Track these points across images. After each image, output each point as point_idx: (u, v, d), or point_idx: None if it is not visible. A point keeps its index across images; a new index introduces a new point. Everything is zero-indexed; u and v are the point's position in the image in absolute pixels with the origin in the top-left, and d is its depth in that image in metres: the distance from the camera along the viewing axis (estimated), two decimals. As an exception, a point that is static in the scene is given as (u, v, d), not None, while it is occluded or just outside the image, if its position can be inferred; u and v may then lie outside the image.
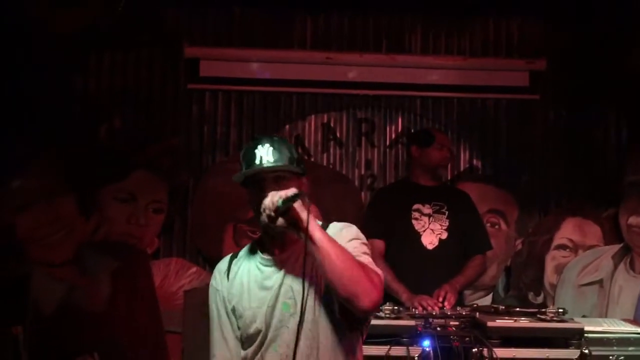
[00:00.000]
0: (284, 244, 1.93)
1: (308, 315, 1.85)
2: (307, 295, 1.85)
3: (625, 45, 3.97)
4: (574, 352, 2.50)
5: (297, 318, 1.84)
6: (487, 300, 3.97)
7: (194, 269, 3.89)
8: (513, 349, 2.47)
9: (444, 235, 3.27)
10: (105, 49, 3.97)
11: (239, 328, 1.95)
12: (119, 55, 4.00)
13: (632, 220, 3.99)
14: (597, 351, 2.52)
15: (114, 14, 3.71)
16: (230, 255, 2.06)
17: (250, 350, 1.92)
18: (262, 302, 1.89)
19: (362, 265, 1.79)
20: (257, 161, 1.87)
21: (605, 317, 3.69)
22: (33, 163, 3.71)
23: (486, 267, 3.56)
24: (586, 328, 2.56)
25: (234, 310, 1.94)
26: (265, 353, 1.89)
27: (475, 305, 2.98)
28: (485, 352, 2.45)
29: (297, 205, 1.78)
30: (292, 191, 1.78)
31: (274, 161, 1.87)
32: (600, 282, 3.95)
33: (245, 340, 1.93)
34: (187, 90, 4.03)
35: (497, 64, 4.17)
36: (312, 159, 4.08)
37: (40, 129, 3.76)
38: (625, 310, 3.72)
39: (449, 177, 4.08)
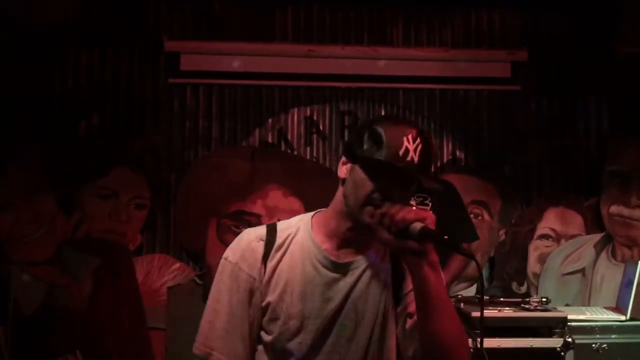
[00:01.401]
0: (360, 245, 1.53)
1: (372, 348, 1.52)
2: (378, 321, 1.51)
3: (607, 36, 4.00)
4: (558, 341, 2.52)
5: (359, 350, 1.50)
6: (471, 291, 3.99)
7: (177, 265, 3.86)
8: (498, 339, 2.49)
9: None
10: (84, 44, 3.91)
11: (267, 333, 1.53)
12: (98, 51, 3.94)
13: (613, 209, 4.03)
14: (580, 339, 2.55)
15: (93, 8, 3.67)
16: (264, 229, 1.58)
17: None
18: (316, 314, 1.49)
19: (464, 338, 1.48)
20: (402, 152, 1.43)
21: (588, 305, 3.73)
22: (12, 161, 3.65)
23: (470, 258, 3.55)
24: (569, 317, 2.58)
25: (267, 308, 1.52)
26: None
27: (459, 296, 2.99)
28: (470, 342, 2.45)
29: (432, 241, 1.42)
30: (431, 220, 1.42)
31: (421, 166, 1.46)
32: (582, 271, 3.99)
33: (274, 350, 1.53)
34: (168, 85, 3.99)
35: (478, 55, 4.17)
36: (296, 152, 4.06)
37: (20, 126, 3.71)
38: (608, 299, 3.75)
39: (432, 169, 4.07)
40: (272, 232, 1.56)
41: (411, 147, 1.45)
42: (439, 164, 4.16)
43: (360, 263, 1.53)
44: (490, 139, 4.19)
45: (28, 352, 3.31)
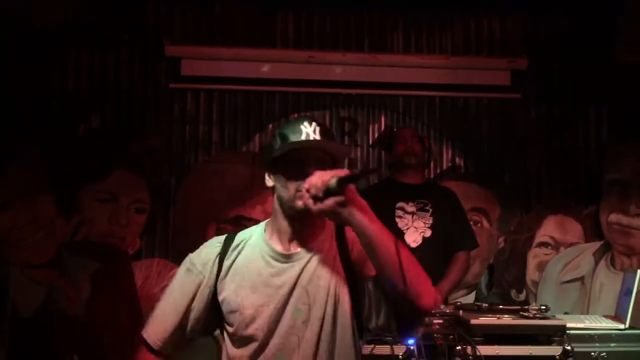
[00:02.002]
0: (305, 238, 1.69)
1: (325, 327, 1.65)
2: (328, 302, 1.64)
3: (606, 42, 4.01)
4: (557, 349, 2.51)
5: (314, 328, 1.64)
6: (470, 298, 3.99)
7: (176, 270, 3.85)
8: (496, 346, 2.48)
9: (428, 233, 3.27)
10: (85, 46, 3.92)
11: (229, 324, 1.69)
12: (99, 53, 3.95)
13: (612, 217, 4.03)
14: (579, 347, 2.54)
15: (94, 10, 3.68)
16: (224, 237, 1.78)
17: (244, 352, 1.68)
18: (266, 302, 1.65)
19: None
20: (304, 137, 1.65)
21: (587, 313, 3.72)
22: (12, 161, 3.65)
23: (470, 265, 3.56)
24: (568, 325, 2.57)
25: (222, 302, 1.69)
26: None
27: (458, 303, 2.98)
28: (468, 349, 2.45)
29: (353, 189, 1.55)
30: (347, 172, 1.55)
31: (323, 139, 1.66)
32: (581, 279, 3.99)
33: (237, 340, 1.69)
34: (169, 90, 3.99)
35: (478, 63, 4.19)
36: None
37: (20, 127, 3.71)
38: (607, 307, 3.75)
39: (431, 176, 4.09)
40: (231, 237, 1.78)
41: (310, 130, 1.67)
42: (438, 171, 4.17)
43: (306, 252, 1.70)
44: (490, 146, 4.20)
45: (26, 355, 3.30)
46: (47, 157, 3.70)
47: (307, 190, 1.56)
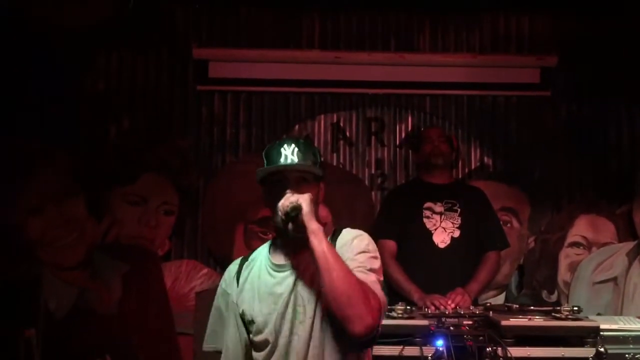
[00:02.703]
0: (297, 249, 1.88)
1: (317, 325, 1.84)
2: (317, 303, 1.82)
3: (638, 39, 3.93)
4: (590, 351, 2.46)
5: (307, 327, 1.83)
6: (499, 299, 3.94)
7: (205, 271, 3.89)
8: (528, 348, 2.44)
9: (456, 234, 3.24)
10: (114, 49, 3.98)
11: (249, 333, 1.92)
12: (128, 56, 4.01)
13: (647, 216, 3.95)
14: (613, 349, 2.49)
15: (123, 13, 3.73)
16: (241, 257, 2.04)
17: (261, 355, 1.90)
18: (272, 309, 1.87)
19: (362, 287, 1.74)
20: (282, 160, 1.87)
21: (620, 314, 3.65)
22: (43, 165, 3.72)
23: (500, 265, 3.51)
24: (602, 326, 2.52)
25: (243, 314, 1.92)
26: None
27: (488, 304, 2.95)
28: (499, 351, 2.42)
29: (307, 213, 1.77)
30: (303, 199, 1.77)
31: (298, 161, 1.87)
32: (614, 280, 3.91)
33: (256, 345, 1.92)
34: (196, 92, 4.03)
35: (507, 61, 4.14)
36: (322, 159, 4.05)
37: (50, 130, 3.78)
38: (641, 308, 3.68)
39: (459, 176, 4.05)
40: (246, 257, 2.02)
41: (288, 152, 1.88)
42: (466, 171, 4.13)
43: (301, 261, 1.88)
44: (519, 145, 4.14)
45: (59, 355, 3.36)
46: (77, 160, 3.76)
47: (278, 211, 1.80)
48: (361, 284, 1.75)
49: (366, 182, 4.08)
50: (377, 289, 1.80)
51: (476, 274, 3.16)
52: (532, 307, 2.77)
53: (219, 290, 2.01)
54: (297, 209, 1.76)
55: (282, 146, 1.90)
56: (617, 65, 4.04)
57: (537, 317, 2.56)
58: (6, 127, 3.66)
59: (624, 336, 2.57)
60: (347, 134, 4.11)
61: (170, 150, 3.95)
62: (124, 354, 3.50)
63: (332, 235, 1.93)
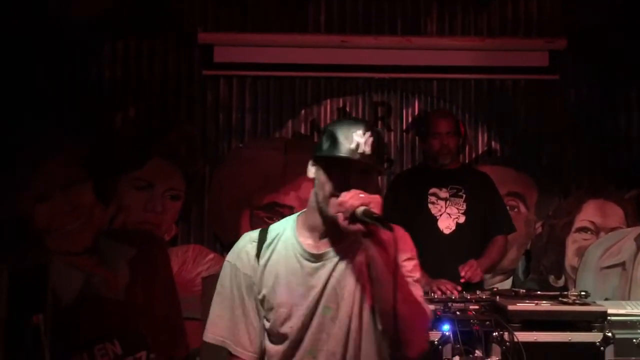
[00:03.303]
0: (337, 237, 1.72)
1: (353, 324, 1.71)
2: (356, 303, 1.70)
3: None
4: (597, 335, 2.46)
5: (343, 326, 1.70)
6: (506, 284, 3.94)
7: (211, 256, 3.90)
8: (534, 333, 2.44)
9: (462, 219, 3.22)
10: (120, 36, 3.96)
11: (267, 320, 1.76)
12: (133, 43, 3.99)
13: (655, 201, 3.92)
14: (620, 334, 2.48)
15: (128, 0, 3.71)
16: (257, 232, 1.83)
17: (280, 349, 1.74)
18: (301, 301, 1.71)
19: (420, 309, 1.66)
20: (353, 146, 1.66)
21: (628, 299, 3.63)
22: (50, 152, 3.72)
23: (507, 249, 3.50)
24: (609, 311, 2.51)
25: (263, 300, 1.75)
26: (303, 359, 1.73)
27: (495, 289, 2.94)
28: (506, 335, 2.42)
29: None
30: (376, 203, 1.60)
31: (371, 154, 1.67)
32: (622, 265, 3.89)
33: (274, 336, 1.76)
34: (202, 77, 4.01)
35: (515, 44, 4.09)
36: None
37: (57, 118, 3.78)
38: (649, 293, 3.67)
39: (466, 160, 4.02)
40: (263, 233, 1.82)
41: (362, 140, 1.67)
42: (473, 155, 4.11)
43: (337, 253, 1.73)
44: (527, 130, 4.11)
45: (67, 340, 3.39)
46: (84, 147, 3.76)
47: (339, 205, 1.62)
48: (419, 306, 1.66)
49: (372, 167, 4.06)
50: (427, 306, 1.72)
51: (486, 251, 3.16)
52: (539, 292, 2.76)
53: (229, 269, 1.81)
54: (369, 215, 1.58)
55: (354, 130, 1.67)
56: (627, 48, 3.98)
57: (544, 302, 2.55)
58: (13, 116, 3.66)
59: (631, 321, 2.56)
60: (354, 118, 4.09)
61: (176, 135, 3.95)
62: (131, 338, 3.53)
63: None
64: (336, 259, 1.73)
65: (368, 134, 1.68)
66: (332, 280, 1.72)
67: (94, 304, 3.54)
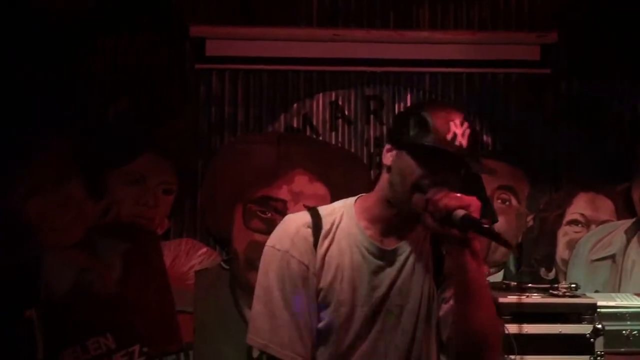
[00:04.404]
0: (403, 232, 1.54)
1: (418, 333, 1.53)
2: (422, 307, 1.52)
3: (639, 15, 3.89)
4: (587, 327, 2.49)
5: (406, 335, 1.51)
6: (498, 277, 3.95)
7: (204, 249, 3.90)
8: (525, 325, 2.46)
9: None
10: (109, 30, 3.94)
11: (320, 319, 1.53)
12: (123, 36, 3.96)
13: (646, 194, 3.94)
14: (610, 326, 2.52)
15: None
16: (308, 216, 1.56)
17: (327, 350, 1.52)
18: (363, 302, 1.51)
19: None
20: (450, 137, 1.46)
21: (618, 292, 3.67)
22: (40, 148, 3.71)
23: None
24: (599, 303, 2.55)
25: (318, 294, 1.52)
26: None
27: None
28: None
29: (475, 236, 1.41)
30: (475, 207, 1.41)
31: (470, 151, 1.47)
32: (612, 257, 3.92)
33: (325, 337, 1.53)
34: (194, 70, 4.00)
35: (507, 38, 4.09)
36: (321, 138, 4.05)
37: (47, 113, 3.76)
38: (638, 285, 3.69)
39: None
40: (317, 218, 1.56)
41: (459, 131, 1.47)
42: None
43: (404, 249, 1.54)
44: (519, 123, 4.12)
45: (60, 334, 3.38)
46: (75, 141, 3.75)
47: (427, 203, 1.43)
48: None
49: (364, 161, 4.07)
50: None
51: None
52: (529, 285, 2.79)
53: (279, 257, 1.52)
54: (473, 223, 1.38)
55: (452, 119, 1.47)
56: (619, 42, 4.00)
57: (534, 294, 2.58)
58: (1, 110, 3.64)
59: (621, 313, 2.60)
60: (346, 112, 4.09)
61: (168, 129, 3.94)
62: (124, 332, 3.52)
63: None
64: (404, 256, 1.54)
65: (466, 124, 1.49)
66: (399, 282, 1.53)
67: (86, 298, 3.54)
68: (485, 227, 1.39)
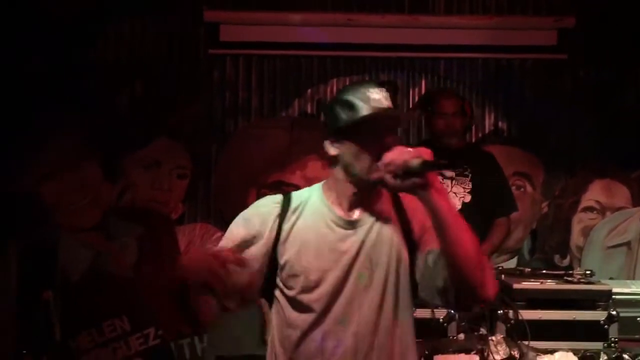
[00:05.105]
0: (367, 204, 1.67)
1: (388, 292, 1.64)
2: (390, 268, 1.63)
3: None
4: (602, 314, 2.48)
5: (377, 292, 1.62)
6: (512, 264, 3.95)
7: (218, 234, 3.91)
8: (539, 311, 2.46)
9: (467, 199, 3.23)
10: (124, 15, 3.95)
11: (291, 288, 1.65)
12: (138, 22, 3.97)
13: (662, 181, 3.91)
14: (625, 312, 2.51)
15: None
16: (279, 198, 1.73)
17: (307, 317, 1.64)
18: (331, 267, 1.63)
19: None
20: (376, 104, 1.61)
21: (633, 279, 3.65)
22: (58, 131, 3.73)
23: (511, 229, 3.52)
24: (614, 290, 2.54)
25: (285, 265, 1.65)
26: (333, 328, 1.62)
27: (500, 268, 2.96)
28: (510, 314, 2.44)
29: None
30: (426, 154, 1.54)
31: (397, 108, 1.70)
32: (628, 244, 3.90)
33: (298, 304, 1.65)
34: (208, 56, 4.00)
35: (523, 23, 4.05)
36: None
37: (63, 98, 3.78)
38: (654, 273, 3.68)
39: (472, 139, 4.01)
40: (287, 198, 1.73)
41: (380, 96, 1.63)
42: (480, 135, 4.10)
43: (368, 218, 1.67)
44: (534, 109, 4.09)
45: (76, 317, 3.42)
46: (91, 125, 3.77)
47: (386, 165, 1.55)
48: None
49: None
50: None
51: (488, 236, 3.18)
52: (544, 271, 2.78)
53: (242, 218, 1.72)
54: (429, 164, 1.52)
55: (367, 89, 1.63)
56: (637, 27, 3.94)
57: (549, 280, 2.57)
58: (19, 94, 3.67)
59: (636, 299, 2.58)
60: (360, 98, 4.07)
61: (182, 114, 3.95)
62: (139, 315, 3.56)
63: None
64: (368, 224, 1.66)
65: (382, 89, 1.63)
66: (365, 246, 1.64)
67: (102, 281, 3.57)
68: (442, 162, 1.57)
